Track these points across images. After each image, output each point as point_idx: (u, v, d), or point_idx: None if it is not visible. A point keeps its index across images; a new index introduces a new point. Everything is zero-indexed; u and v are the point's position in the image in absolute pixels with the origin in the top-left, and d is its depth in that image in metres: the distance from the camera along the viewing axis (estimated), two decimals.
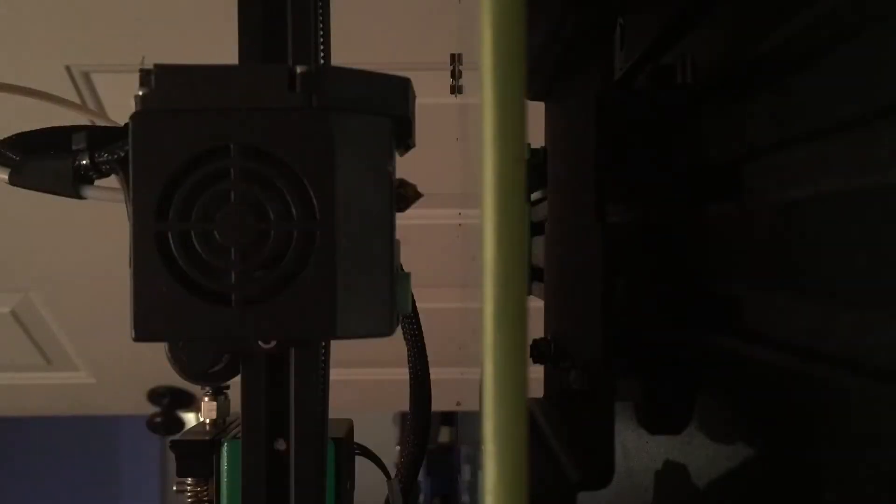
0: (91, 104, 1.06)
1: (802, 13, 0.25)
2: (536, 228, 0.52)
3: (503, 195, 0.22)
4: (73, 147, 0.33)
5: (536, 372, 0.49)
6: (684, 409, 0.35)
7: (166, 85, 0.28)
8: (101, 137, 0.33)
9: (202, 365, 0.31)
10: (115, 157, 0.32)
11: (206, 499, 0.39)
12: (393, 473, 0.44)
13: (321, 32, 0.32)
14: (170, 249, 0.28)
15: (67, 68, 0.99)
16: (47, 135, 0.36)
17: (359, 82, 0.29)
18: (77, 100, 1.04)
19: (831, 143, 0.24)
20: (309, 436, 0.32)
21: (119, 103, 1.03)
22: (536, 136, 0.50)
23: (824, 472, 0.25)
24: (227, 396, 0.42)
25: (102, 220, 1.11)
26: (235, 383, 0.38)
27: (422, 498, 1.90)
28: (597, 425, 0.33)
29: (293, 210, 0.28)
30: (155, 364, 1.23)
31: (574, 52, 0.37)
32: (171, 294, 0.28)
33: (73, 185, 0.34)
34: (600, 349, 0.33)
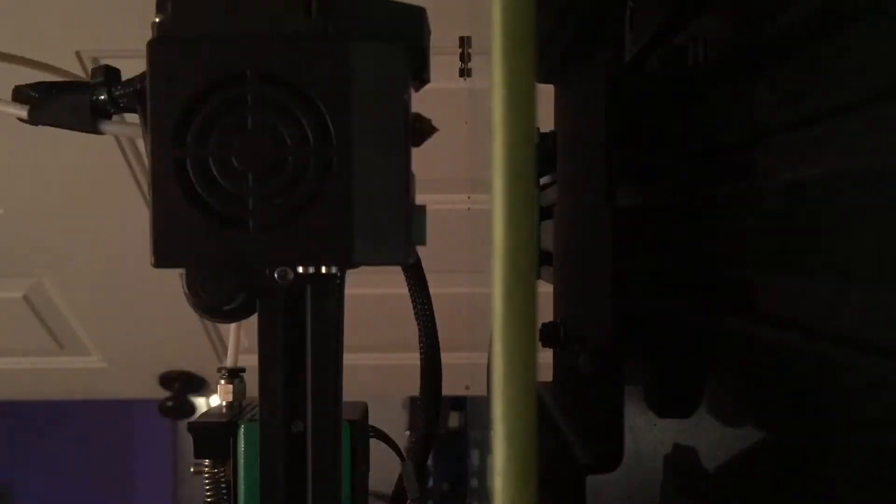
0: None
1: None
2: (545, 213, 0.52)
3: (512, 178, 0.22)
4: (91, 82, 0.33)
5: (546, 357, 0.49)
6: (693, 392, 0.35)
7: (182, 11, 0.28)
8: (117, 73, 0.33)
9: (219, 299, 0.31)
10: (133, 89, 0.32)
11: (222, 480, 0.39)
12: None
13: None
14: (188, 176, 0.28)
15: (77, 53, 0.99)
16: (67, 83, 0.36)
17: (375, 9, 0.29)
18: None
19: (842, 122, 0.23)
20: (326, 394, 0.32)
21: None
22: (546, 119, 0.50)
23: (834, 454, 0.25)
24: (242, 379, 0.42)
25: (114, 205, 1.17)
26: (250, 372, 0.39)
27: (431, 482, 1.91)
28: (606, 409, 0.34)
29: (310, 136, 0.28)
30: (166, 349, 1.29)
31: (584, 34, 0.37)
32: (189, 220, 0.28)
33: (91, 119, 0.34)
34: (609, 333, 0.34)
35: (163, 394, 1.53)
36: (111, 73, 0.34)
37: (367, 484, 0.39)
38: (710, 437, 0.35)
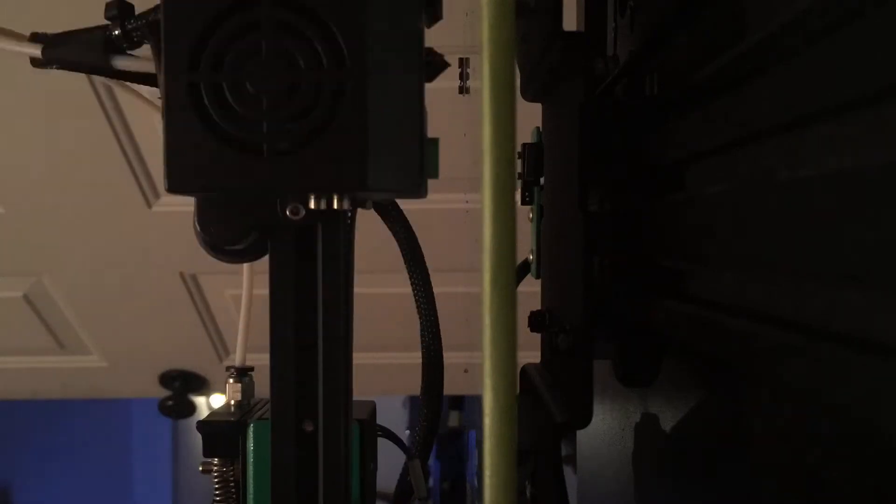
0: (100, 89, 1.07)
1: (733, 49, 0.31)
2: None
3: (497, 190, 0.29)
4: (106, 16, 0.33)
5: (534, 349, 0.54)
6: (651, 365, 0.42)
7: None
8: (131, 8, 0.33)
9: (230, 237, 0.31)
10: (146, 21, 0.32)
11: (231, 479, 0.39)
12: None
13: None
14: (202, 100, 0.28)
15: None
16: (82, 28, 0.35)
17: None
18: (87, 85, 1.04)
19: (752, 149, 0.30)
20: (336, 392, 0.32)
21: (127, 88, 1.04)
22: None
23: (759, 422, 0.30)
24: (251, 378, 0.42)
25: (114, 204, 1.16)
26: (260, 372, 0.40)
27: (431, 482, 1.90)
28: (578, 376, 0.40)
29: (324, 61, 0.27)
30: (166, 348, 1.33)
31: (562, 64, 0.44)
32: (203, 145, 0.27)
33: (104, 55, 0.33)
34: (581, 316, 0.39)
35: (163, 393, 1.52)
36: (124, 7, 0.33)
37: (374, 483, 0.40)
38: (669, 404, 0.41)
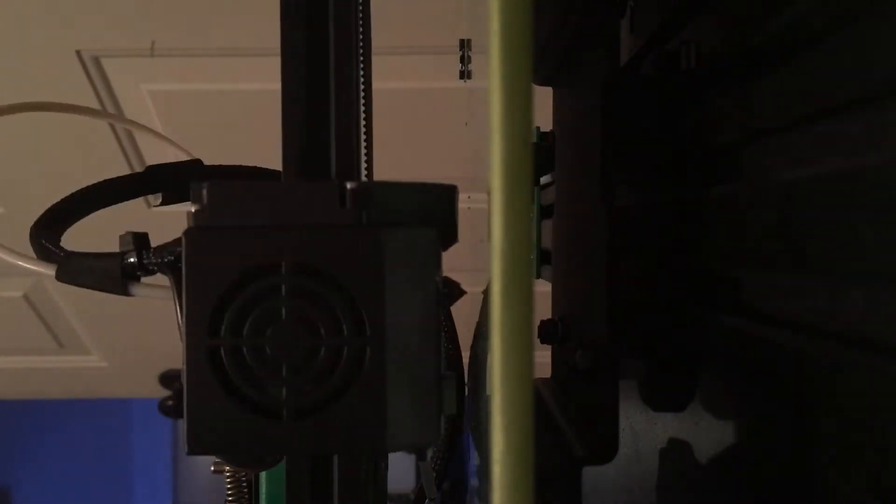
0: (100, 88, 1.07)
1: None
2: (546, 212, 0.53)
3: (510, 179, 0.23)
4: (121, 249, 0.35)
5: (544, 357, 0.50)
6: (686, 386, 0.36)
7: (217, 201, 0.28)
8: (146, 240, 0.35)
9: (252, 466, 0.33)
10: (164, 260, 0.33)
11: (244, 480, 0.39)
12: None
13: (365, 146, 0.33)
14: (222, 364, 0.28)
15: (78, 53, 0.99)
16: (75, 201, 0.39)
17: (406, 196, 0.30)
18: (87, 84, 1.05)
19: (839, 122, 0.24)
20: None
21: (128, 88, 1.06)
22: (544, 120, 0.51)
23: (823, 449, 0.25)
24: None
25: (114, 206, 1.19)
26: None
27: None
28: (601, 402, 0.34)
29: (344, 326, 0.28)
30: (167, 348, 1.19)
31: (581, 38, 0.38)
32: (223, 409, 0.28)
33: (121, 282, 0.35)
34: (605, 329, 0.34)
35: (163, 393, 1.50)
36: (140, 240, 0.35)
37: (386, 483, 0.39)
38: (706, 432, 0.36)
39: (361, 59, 0.33)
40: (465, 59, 0.60)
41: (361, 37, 0.33)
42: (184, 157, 0.48)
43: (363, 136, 0.33)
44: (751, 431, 0.31)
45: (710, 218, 0.33)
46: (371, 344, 0.28)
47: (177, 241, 0.31)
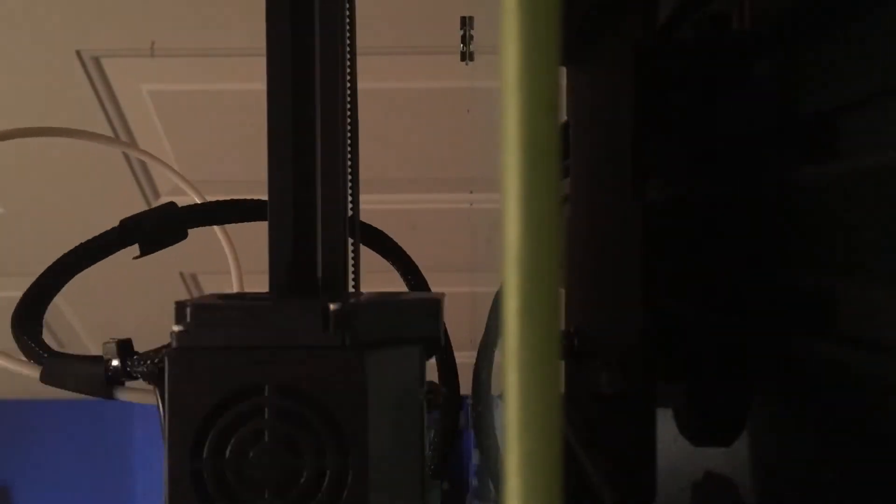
0: (101, 89, 1.09)
1: None
2: None
3: (529, 157, 0.17)
4: (104, 356, 0.35)
5: None
6: (735, 416, 0.30)
7: (201, 322, 0.29)
8: (130, 346, 0.35)
9: None
10: (147, 370, 0.34)
11: None
12: None
13: (352, 263, 0.33)
14: (204, 486, 0.29)
15: (78, 53, 1.01)
16: (50, 275, 0.41)
17: (390, 314, 0.30)
18: (87, 84, 1.07)
19: None
20: None
21: (128, 88, 1.09)
22: None
23: None
24: None
25: (115, 204, 1.16)
26: None
27: None
28: (634, 437, 0.29)
29: (326, 448, 0.28)
30: None
31: (606, 2, 0.32)
32: None
33: (105, 387, 0.36)
34: (638, 346, 0.29)
35: None
36: (124, 348, 0.35)
37: None
38: (756, 471, 0.30)
39: (350, 173, 0.33)
40: (466, 39, 0.55)
41: (350, 130, 0.33)
42: (191, 190, 0.51)
43: (351, 253, 0.34)
44: (822, 478, 0.25)
45: (765, 215, 0.27)
46: (353, 467, 0.28)
47: (159, 350, 0.32)
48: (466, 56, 0.55)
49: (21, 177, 1.16)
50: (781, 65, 0.27)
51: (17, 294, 1.34)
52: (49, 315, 1.36)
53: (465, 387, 0.53)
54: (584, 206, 0.39)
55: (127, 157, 1.15)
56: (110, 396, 0.36)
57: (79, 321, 1.41)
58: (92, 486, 2.57)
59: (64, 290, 1.47)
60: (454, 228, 0.85)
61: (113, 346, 0.35)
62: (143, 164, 1.18)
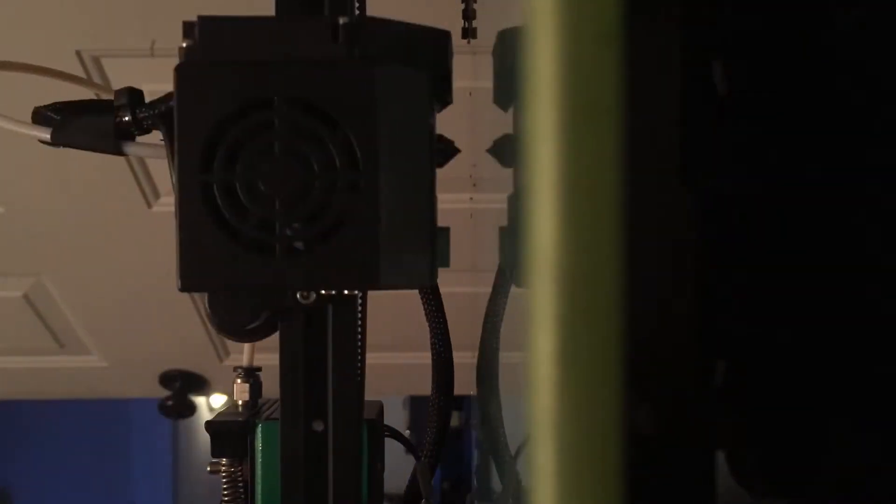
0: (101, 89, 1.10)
1: None
2: None
3: (572, 112, 0.11)
4: (115, 104, 0.35)
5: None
6: (808, 461, 0.24)
7: (209, 37, 0.29)
8: (141, 96, 0.35)
9: (241, 319, 0.32)
10: (157, 111, 0.33)
11: (240, 479, 0.40)
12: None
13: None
14: (215, 200, 0.29)
15: (78, 53, 1.00)
16: (87, 103, 0.38)
17: (399, 34, 0.30)
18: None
19: None
20: (348, 396, 0.32)
21: None
22: None
23: None
24: (258, 378, 0.43)
25: (115, 203, 1.19)
26: (267, 372, 0.42)
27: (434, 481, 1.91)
28: (682, 486, 0.23)
29: (337, 160, 0.29)
30: (166, 348, 1.32)
31: None
32: (216, 244, 0.29)
33: (114, 141, 0.35)
34: (690, 372, 0.23)
35: (163, 393, 1.54)
36: (135, 95, 0.35)
37: (382, 484, 0.41)
38: None
39: None
40: (468, 14, 0.51)
41: None
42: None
43: None
44: None
45: (856, 213, 0.22)
46: (364, 178, 0.28)
47: (170, 95, 0.31)
48: (469, 33, 0.51)
49: (21, 177, 1.16)
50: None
51: (17, 294, 1.36)
52: (48, 315, 1.38)
53: (466, 387, 0.49)
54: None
55: (128, 159, 1.08)
56: (119, 151, 0.36)
57: (79, 321, 1.41)
58: (92, 487, 2.65)
59: (64, 291, 1.48)
60: (455, 229, 0.83)
61: (124, 93, 0.34)
62: (144, 165, 1.16)
